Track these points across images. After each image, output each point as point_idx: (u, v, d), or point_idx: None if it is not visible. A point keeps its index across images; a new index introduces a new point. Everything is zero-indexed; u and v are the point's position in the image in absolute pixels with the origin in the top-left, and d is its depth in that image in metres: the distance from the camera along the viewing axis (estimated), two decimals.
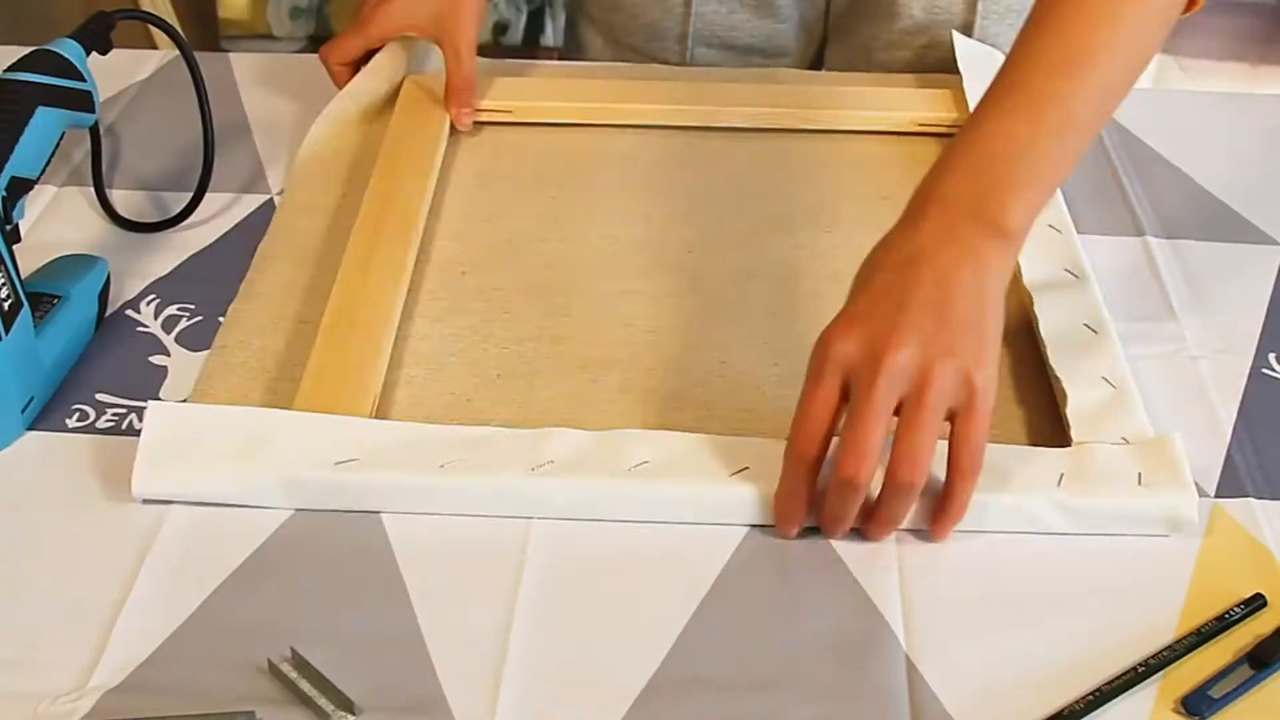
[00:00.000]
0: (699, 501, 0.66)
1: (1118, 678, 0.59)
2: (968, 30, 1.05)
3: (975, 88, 0.95)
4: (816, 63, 1.15)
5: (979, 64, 0.99)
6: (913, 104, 0.97)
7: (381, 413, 0.72)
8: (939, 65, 1.05)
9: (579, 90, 0.99)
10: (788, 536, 0.65)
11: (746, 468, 0.66)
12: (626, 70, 1.05)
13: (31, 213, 0.87)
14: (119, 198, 0.89)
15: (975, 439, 0.61)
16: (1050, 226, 0.83)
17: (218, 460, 0.67)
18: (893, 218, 0.67)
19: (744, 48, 1.11)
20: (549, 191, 0.90)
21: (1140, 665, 0.59)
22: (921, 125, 0.96)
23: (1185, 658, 0.60)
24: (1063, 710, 0.58)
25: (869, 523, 0.64)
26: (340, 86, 0.96)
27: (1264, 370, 0.77)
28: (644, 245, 0.86)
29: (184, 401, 0.72)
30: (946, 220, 0.65)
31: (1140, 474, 0.66)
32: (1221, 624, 0.61)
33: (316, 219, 0.87)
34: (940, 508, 0.64)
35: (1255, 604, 0.63)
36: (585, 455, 0.67)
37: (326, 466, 0.66)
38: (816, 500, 0.64)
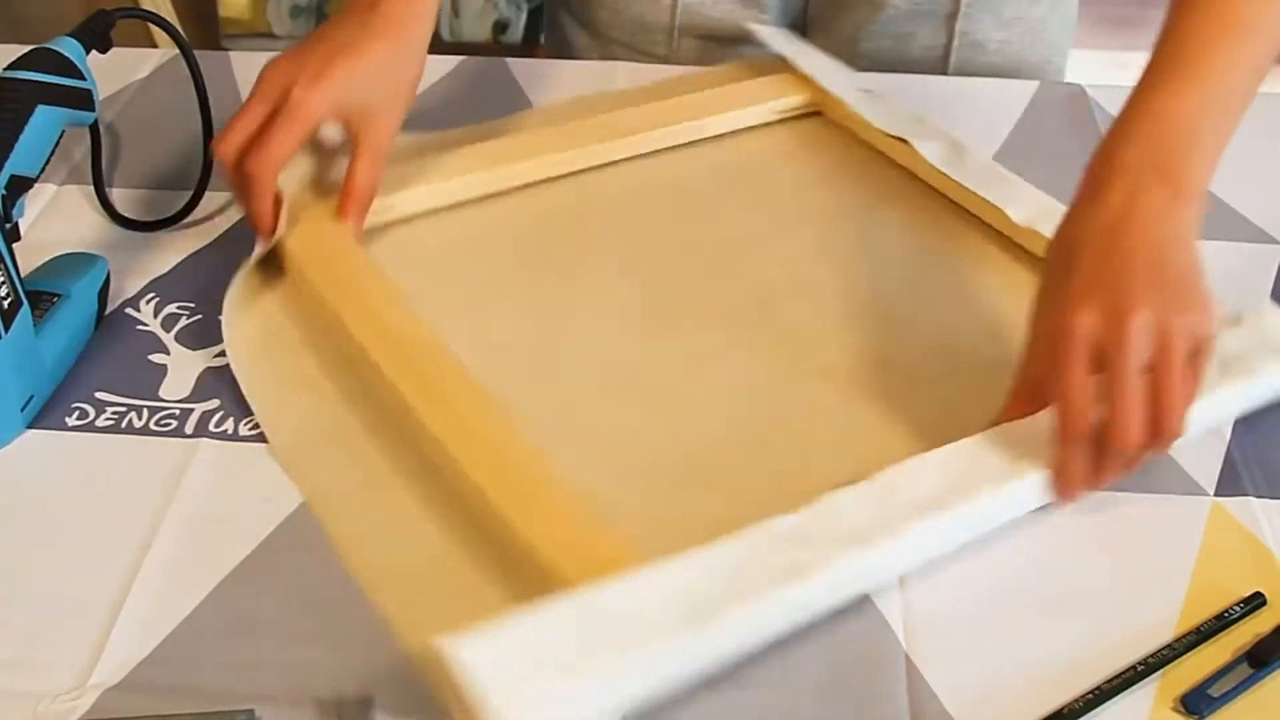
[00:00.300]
0: (1004, 503, 0.65)
1: (1117, 676, 0.59)
2: (952, 20, 1.06)
3: (810, 65, 0.99)
4: None
5: (788, 44, 1.03)
6: (762, 94, 0.99)
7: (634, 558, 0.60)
8: (922, 53, 1.06)
9: (438, 169, 0.89)
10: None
11: (1020, 456, 0.66)
12: (471, 133, 0.95)
13: (31, 211, 0.87)
14: (119, 196, 0.89)
15: (1196, 385, 0.64)
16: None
17: (575, 679, 0.55)
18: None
19: (728, 38, 1.11)
20: (501, 275, 0.83)
21: (1140, 664, 0.59)
22: (781, 113, 0.98)
23: (1184, 656, 0.60)
24: (1062, 709, 0.58)
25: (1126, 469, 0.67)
26: (263, 210, 0.78)
27: None
28: (653, 306, 0.80)
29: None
30: (1133, 187, 0.67)
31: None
32: (1221, 623, 0.62)
33: (295, 389, 0.74)
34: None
35: (1254, 603, 0.63)
36: (875, 507, 0.63)
37: (691, 626, 0.57)
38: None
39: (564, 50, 1.17)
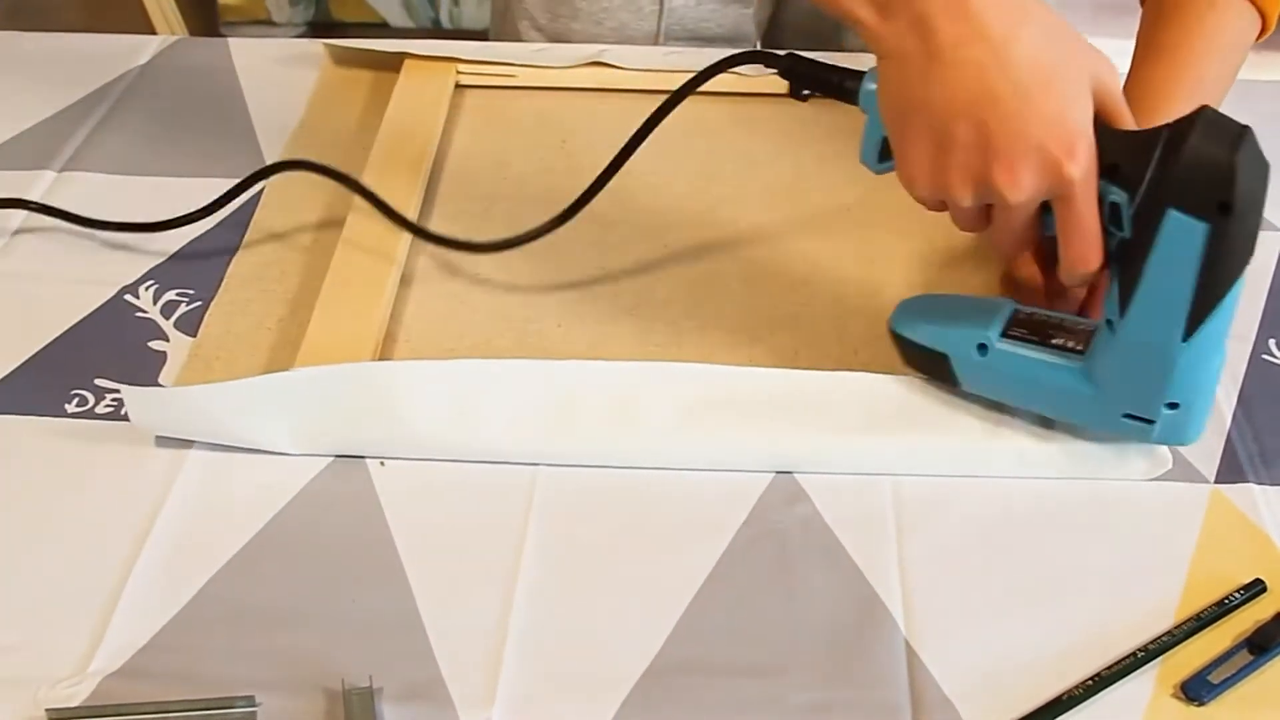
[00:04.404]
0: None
1: (1117, 663, 0.59)
2: None
3: None
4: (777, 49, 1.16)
5: None
6: None
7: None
8: None
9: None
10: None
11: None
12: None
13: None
14: (116, 183, 0.89)
15: None
16: None
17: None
18: None
19: (710, 37, 1.10)
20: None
21: (1140, 650, 0.59)
22: None
23: (1185, 643, 0.60)
24: (1062, 695, 0.58)
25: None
26: None
27: (1264, 356, 0.77)
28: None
29: None
30: None
31: None
32: (1221, 609, 0.62)
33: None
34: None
35: (1255, 589, 0.63)
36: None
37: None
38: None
39: None
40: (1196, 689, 0.58)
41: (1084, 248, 0.62)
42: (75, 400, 0.72)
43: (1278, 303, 0.81)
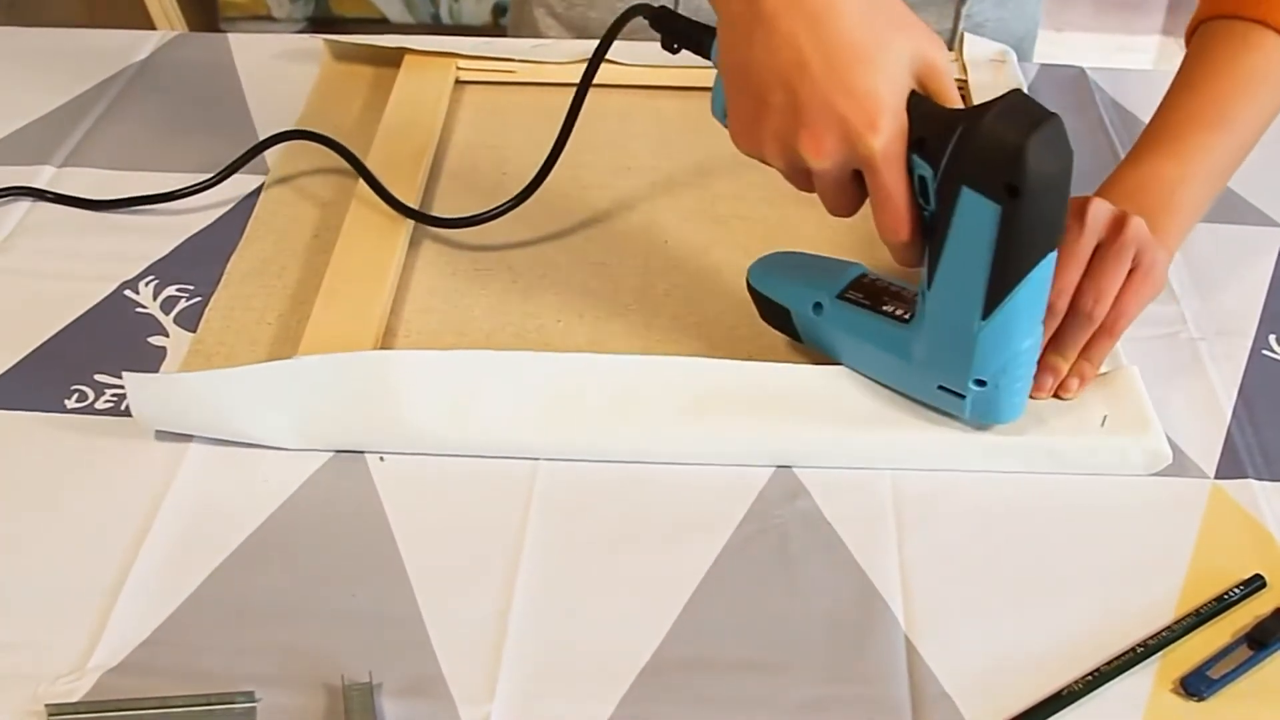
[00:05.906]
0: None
1: (1117, 658, 0.59)
2: (960, 4, 1.06)
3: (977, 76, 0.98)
4: None
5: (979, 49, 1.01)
6: None
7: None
8: None
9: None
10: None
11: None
12: None
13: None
14: (116, 178, 0.89)
15: (1133, 300, 0.69)
16: None
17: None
18: None
19: None
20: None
21: (1139, 646, 0.59)
22: None
23: (1184, 638, 0.60)
24: (1062, 690, 0.58)
25: (1049, 351, 0.69)
26: None
27: (1264, 352, 0.77)
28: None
29: None
30: None
31: (1105, 416, 0.69)
32: (1221, 605, 0.62)
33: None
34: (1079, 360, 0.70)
35: (1254, 585, 0.63)
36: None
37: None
38: None
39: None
40: (1196, 684, 0.58)
41: (891, 217, 0.63)
42: (75, 395, 0.72)
43: (1278, 299, 0.81)
